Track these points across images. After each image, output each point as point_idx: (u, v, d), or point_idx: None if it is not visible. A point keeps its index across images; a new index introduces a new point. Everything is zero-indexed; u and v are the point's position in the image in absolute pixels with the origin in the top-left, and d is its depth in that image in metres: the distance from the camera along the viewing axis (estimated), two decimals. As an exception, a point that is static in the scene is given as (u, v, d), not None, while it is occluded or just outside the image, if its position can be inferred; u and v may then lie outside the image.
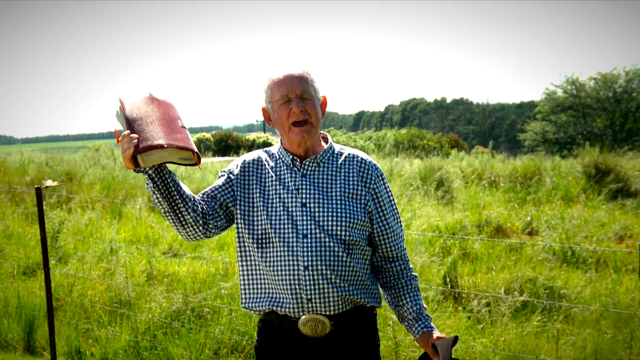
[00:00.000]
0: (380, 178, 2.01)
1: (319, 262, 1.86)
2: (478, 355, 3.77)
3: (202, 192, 2.00)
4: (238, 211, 1.96)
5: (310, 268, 1.86)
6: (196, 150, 1.82)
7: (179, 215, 1.85)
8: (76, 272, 5.37)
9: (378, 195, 1.99)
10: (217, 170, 11.68)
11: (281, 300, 1.90)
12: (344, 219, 1.90)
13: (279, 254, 1.89)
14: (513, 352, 3.74)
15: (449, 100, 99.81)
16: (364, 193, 1.96)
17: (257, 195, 1.96)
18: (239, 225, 1.97)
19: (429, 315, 2.00)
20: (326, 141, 2.05)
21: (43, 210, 4.32)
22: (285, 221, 1.90)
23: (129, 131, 1.76)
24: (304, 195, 1.92)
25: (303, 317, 1.88)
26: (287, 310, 1.89)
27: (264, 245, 1.92)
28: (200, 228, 1.89)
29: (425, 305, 2.02)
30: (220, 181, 2.01)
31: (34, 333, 4.52)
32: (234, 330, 4.14)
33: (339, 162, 1.99)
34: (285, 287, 1.88)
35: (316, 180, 1.95)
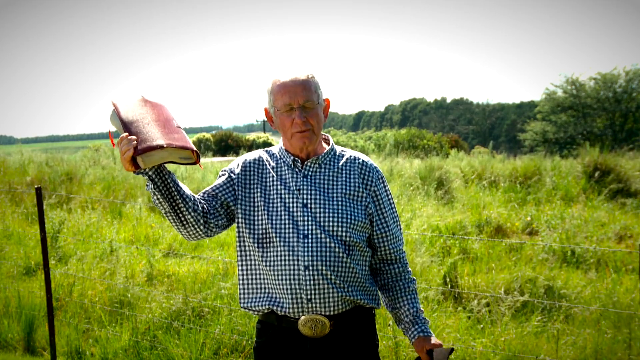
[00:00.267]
0: (380, 181, 2.02)
1: (319, 263, 1.86)
2: (478, 355, 3.77)
3: (203, 191, 2.00)
4: (239, 210, 1.96)
5: (310, 268, 1.86)
6: (195, 149, 1.82)
7: (180, 215, 1.86)
8: (76, 272, 5.38)
9: (378, 197, 1.99)
10: (217, 170, 11.68)
11: (280, 300, 1.91)
12: (345, 220, 1.90)
13: (279, 253, 1.89)
14: (513, 352, 3.74)
15: (449, 100, 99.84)
16: (364, 195, 1.96)
17: (258, 194, 1.96)
18: (240, 225, 1.97)
19: (426, 319, 2.00)
20: (327, 142, 2.05)
21: (43, 210, 4.33)
22: (287, 221, 1.90)
23: (126, 134, 1.75)
24: (305, 196, 1.92)
25: (303, 317, 1.88)
26: (286, 310, 1.89)
27: (264, 245, 1.92)
28: (201, 227, 1.90)
29: (422, 309, 2.02)
30: (221, 180, 2.01)
31: (34, 333, 4.52)
32: (234, 330, 4.14)
33: (340, 163, 2.00)
34: (285, 286, 1.88)
35: (317, 181, 1.95)
